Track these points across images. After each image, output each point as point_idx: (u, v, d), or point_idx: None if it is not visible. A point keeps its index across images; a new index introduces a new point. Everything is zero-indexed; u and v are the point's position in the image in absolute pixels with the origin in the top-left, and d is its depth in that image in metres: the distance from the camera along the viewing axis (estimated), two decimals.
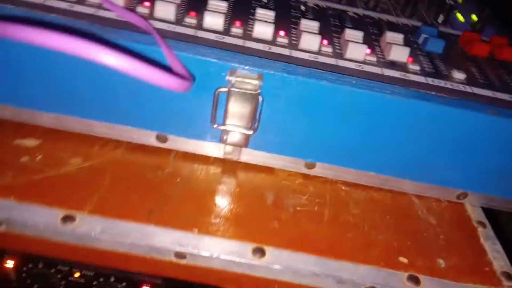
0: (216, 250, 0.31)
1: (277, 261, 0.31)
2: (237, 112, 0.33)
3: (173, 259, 0.31)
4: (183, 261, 0.31)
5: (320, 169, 0.38)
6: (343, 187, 0.39)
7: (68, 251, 0.31)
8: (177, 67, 0.29)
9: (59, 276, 0.36)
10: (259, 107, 0.33)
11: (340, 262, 0.32)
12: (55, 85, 0.33)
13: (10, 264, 0.36)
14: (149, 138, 0.36)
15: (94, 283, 0.36)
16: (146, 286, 0.35)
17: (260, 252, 0.31)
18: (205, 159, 0.37)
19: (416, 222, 0.37)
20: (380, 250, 0.34)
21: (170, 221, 0.32)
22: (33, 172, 0.33)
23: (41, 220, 0.30)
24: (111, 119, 0.35)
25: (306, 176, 0.38)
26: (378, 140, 0.35)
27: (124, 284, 0.36)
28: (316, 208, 0.36)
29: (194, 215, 0.33)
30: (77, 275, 0.36)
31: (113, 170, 0.35)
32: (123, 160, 0.36)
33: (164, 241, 0.30)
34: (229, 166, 0.38)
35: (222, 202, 0.34)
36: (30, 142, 0.35)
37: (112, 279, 0.36)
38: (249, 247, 0.31)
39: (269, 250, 0.31)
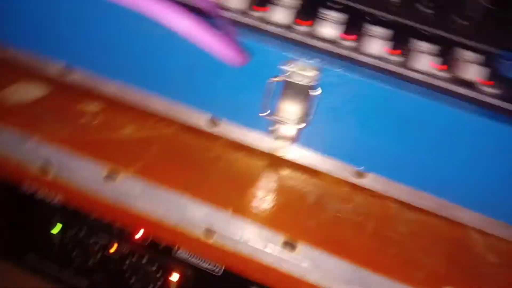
0: (246, 233, 0.30)
1: (308, 258, 0.29)
2: (289, 104, 0.33)
3: (203, 233, 0.30)
4: (212, 238, 0.30)
5: (371, 180, 0.35)
6: (393, 204, 0.36)
7: (105, 208, 0.32)
8: (235, 43, 0.29)
9: (96, 247, 0.37)
10: (313, 102, 0.32)
11: (377, 276, 0.29)
12: (124, 52, 0.35)
13: (56, 230, 0.38)
14: (201, 121, 0.37)
15: (127, 262, 0.36)
16: (176, 273, 0.35)
17: (291, 245, 0.29)
18: (252, 150, 0.37)
19: (471, 256, 0.33)
20: (424, 274, 0.30)
21: (206, 197, 0.31)
22: (89, 132, 0.35)
23: (86, 173, 0.31)
24: (167, 93, 0.36)
25: (354, 185, 0.36)
26: (439, 157, 0.33)
27: (155, 266, 0.36)
28: (359, 218, 0.34)
29: (231, 196, 0.32)
30: (112, 250, 0.36)
31: (161, 143, 0.35)
32: (172, 137, 0.36)
33: (196, 214, 0.30)
34: (274, 160, 0.37)
35: (261, 192, 0.33)
36: (92, 107, 0.37)
37: (144, 261, 0.36)
38: (280, 237, 0.30)
39: (301, 245, 0.30)
